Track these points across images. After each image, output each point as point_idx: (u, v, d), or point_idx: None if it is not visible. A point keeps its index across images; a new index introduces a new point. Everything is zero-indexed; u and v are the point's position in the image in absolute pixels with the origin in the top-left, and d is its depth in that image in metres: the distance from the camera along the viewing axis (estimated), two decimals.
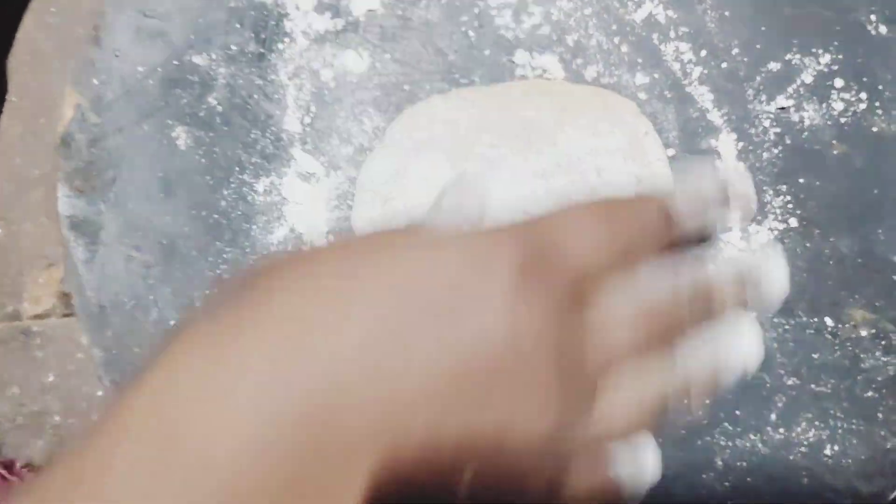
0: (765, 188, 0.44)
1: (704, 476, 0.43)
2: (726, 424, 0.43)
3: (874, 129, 0.45)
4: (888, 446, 0.43)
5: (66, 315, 0.46)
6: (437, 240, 0.30)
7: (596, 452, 0.30)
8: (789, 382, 0.43)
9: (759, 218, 0.44)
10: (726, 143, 0.45)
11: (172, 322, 0.43)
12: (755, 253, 0.39)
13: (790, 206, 0.44)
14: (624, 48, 0.45)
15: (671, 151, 0.45)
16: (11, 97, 0.47)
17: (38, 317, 0.46)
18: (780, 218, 0.44)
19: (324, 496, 0.26)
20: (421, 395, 0.27)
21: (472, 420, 0.28)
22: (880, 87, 0.45)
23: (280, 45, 0.45)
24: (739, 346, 0.33)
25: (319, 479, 0.26)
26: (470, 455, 0.28)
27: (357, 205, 0.44)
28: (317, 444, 0.25)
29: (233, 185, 0.44)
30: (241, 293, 0.28)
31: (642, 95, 0.45)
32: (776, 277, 0.36)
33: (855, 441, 0.43)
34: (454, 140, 0.43)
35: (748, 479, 0.43)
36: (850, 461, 0.43)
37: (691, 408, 0.33)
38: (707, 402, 0.33)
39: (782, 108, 0.45)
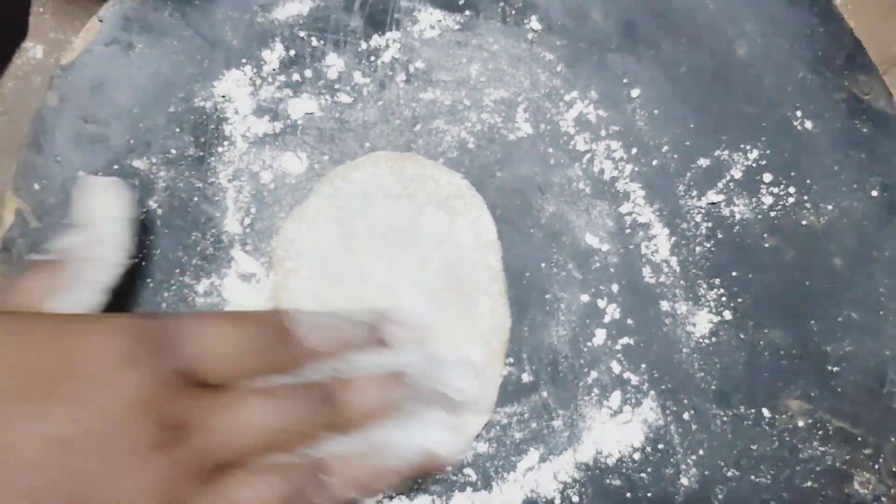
0: (699, 281, 0.46)
1: None
2: None
3: (804, 223, 0.47)
4: None
5: None
6: (50, 319, 0.34)
7: None
8: (729, 474, 0.45)
9: (694, 310, 0.46)
10: (659, 237, 0.46)
11: None
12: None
13: (724, 298, 0.46)
14: (554, 147, 0.47)
15: (605, 246, 0.46)
16: None
17: None
18: (714, 311, 0.46)
19: None
20: (22, 469, 0.29)
21: (68, 492, 0.30)
22: (808, 182, 0.47)
23: (220, 149, 0.46)
24: (419, 438, 0.38)
25: None
26: None
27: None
28: None
29: (174, 287, 0.45)
30: None
31: (574, 191, 0.47)
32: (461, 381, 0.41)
33: None
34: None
35: None
36: None
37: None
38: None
39: (713, 203, 0.47)
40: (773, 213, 0.47)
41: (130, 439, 0.31)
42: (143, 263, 0.46)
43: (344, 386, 0.38)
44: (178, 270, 0.46)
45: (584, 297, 0.46)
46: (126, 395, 0.31)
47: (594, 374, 0.45)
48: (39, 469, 0.30)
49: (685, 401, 0.45)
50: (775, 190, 0.47)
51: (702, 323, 0.46)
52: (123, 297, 0.45)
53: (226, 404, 0.35)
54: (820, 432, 0.45)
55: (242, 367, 0.36)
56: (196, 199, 0.46)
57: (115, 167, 0.46)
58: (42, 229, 0.46)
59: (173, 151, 0.47)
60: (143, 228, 0.46)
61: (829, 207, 0.47)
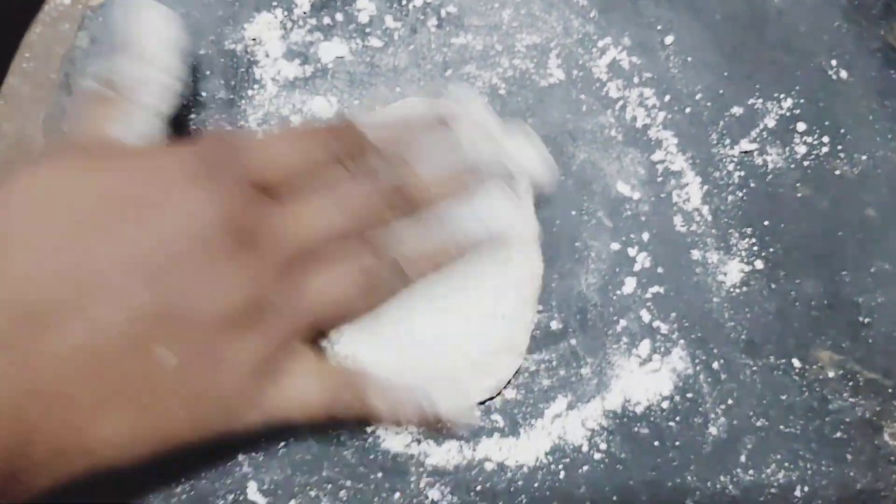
0: (730, 231, 0.46)
1: None
2: (696, 466, 0.44)
3: (836, 173, 0.46)
4: (858, 488, 0.44)
5: None
6: (122, 153, 0.36)
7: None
8: (758, 424, 0.44)
9: (725, 259, 0.46)
10: (691, 186, 0.46)
11: None
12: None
13: (755, 248, 0.46)
14: (586, 94, 0.47)
15: (637, 194, 0.46)
16: None
17: None
18: (745, 260, 0.46)
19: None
20: (110, 284, 0.31)
21: (158, 302, 0.32)
22: (842, 131, 0.47)
23: (250, 92, 0.46)
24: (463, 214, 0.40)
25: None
26: (161, 335, 0.32)
27: None
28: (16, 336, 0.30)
29: None
30: None
31: (606, 138, 0.47)
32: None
33: (825, 482, 0.44)
34: None
35: None
36: (820, 503, 0.44)
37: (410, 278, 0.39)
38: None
39: (746, 152, 0.47)
40: (806, 163, 0.47)
41: (210, 250, 0.33)
42: None
43: (407, 167, 0.39)
44: None
45: (615, 246, 0.46)
46: (201, 211, 0.33)
47: (623, 322, 0.45)
48: (127, 291, 0.31)
49: (715, 350, 0.45)
50: (809, 139, 0.47)
51: (733, 272, 0.46)
52: None
53: (296, 201, 0.37)
54: (850, 383, 0.45)
55: (307, 163, 0.38)
56: None
57: None
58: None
59: (203, 94, 0.47)
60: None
61: (863, 157, 0.47)
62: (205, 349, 0.33)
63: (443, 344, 0.42)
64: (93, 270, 0.31)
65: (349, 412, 0.38)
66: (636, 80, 0.47)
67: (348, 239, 0.38)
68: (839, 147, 0.47)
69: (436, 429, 0.43)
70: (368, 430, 0.43)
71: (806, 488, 0.44)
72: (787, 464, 0.44)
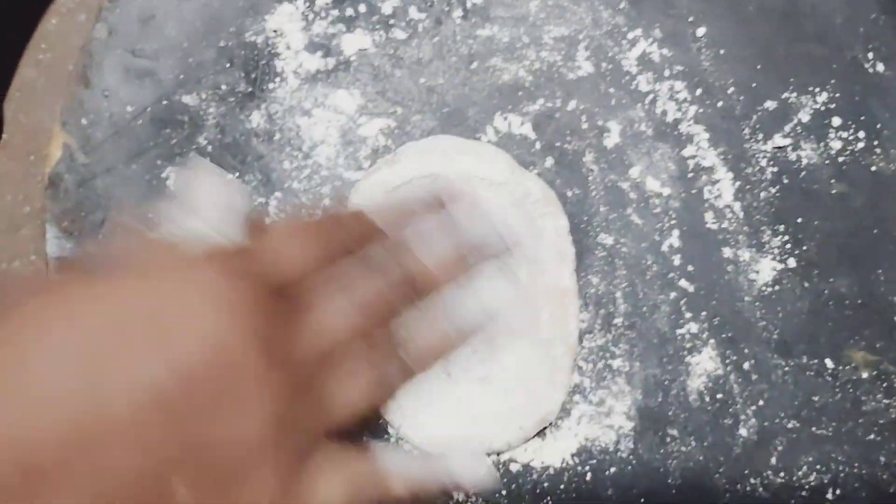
0: (763, 228, 0.46)
1: None
2: (725, 468, 0.43)
3: (873, 169, 0.46)
4: (891, 490, 0.44)
5: None
6: (139, 271, 0.33)
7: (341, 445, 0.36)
8: (789, 425, 0.44)
9: (758, 257, 0.45)
10: (722, 182, 0.46)
11: None
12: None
13: (788, 246, 0.45)
14: (615, 87, 0.46)
15: (667, 190, 0.46)
16: (4, 134, 0.48)
17: None
18: (778, 258, 0.45)
19: None
20: (123, 425, 0.29)
21: (178, 438, 0.30)
22: (878, 126, 0.46)
23: (270, 85, 0.46)
24: (469, 299, 0.40)
25: None
26: (182, 471, 0.30)
27: None
28: (23, 490, 0.27)
29: None
30: None
31: (635, 133, 0.46)
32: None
33: (857, 485, 0.44)
34: None
35: None
36: None
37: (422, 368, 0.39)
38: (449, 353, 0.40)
39: (779, 148, 0.46)
40: (841, 159, 0.46)
41: (234, 375, 0.31)
42: None
43: (411, 254, 0.39)
44: None
45: (644, 244, 0.46)
46: (222, 333, 0.31)
47: (652, 321, 0.45)
48: (140, 431, 0.29)
49: (746, 350, 0.45)
50: (844, 134, 0.46)
51: (765, 270, 0.45)
52: None
53: (315, 305, 0.36)
54: (884, 384, 0.45)
55: (321, 261, 0.37)
56: (246, 136, 0.46)
57: (164, 102, 0.46)
58: (89, 165, 0.46)
59: (223, 87, 0.46)
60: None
61: None
62: (228, 481, 0.31)
63: (485, 407, 0.44)
64: (100, 410, 0.29)
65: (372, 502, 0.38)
66: (667, 73, 0.47)
67: (364, 334, 0.37)
68: (875, 142, 0.46)
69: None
70: (391, 430, 0.43)
71: (838, 491, 0.44)
72: (818, 466, 0.44)
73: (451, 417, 0.44)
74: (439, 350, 0.40)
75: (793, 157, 0.46)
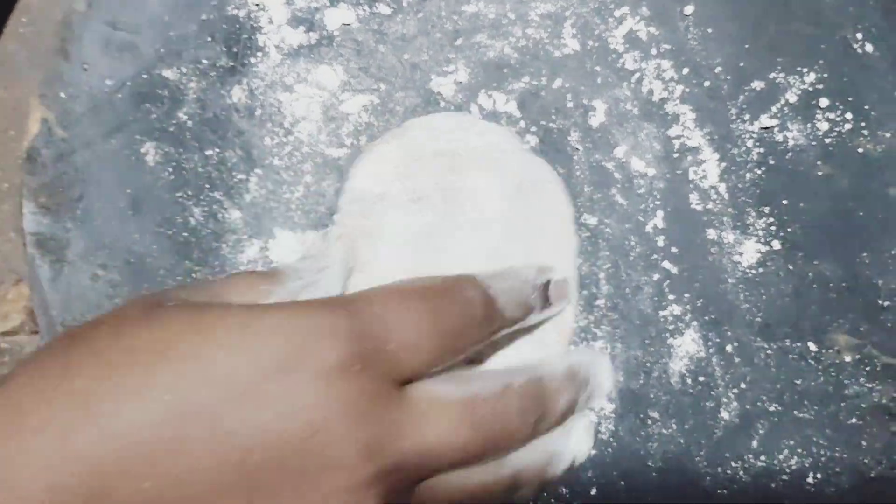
0: (748, 209, 0.45)
1: (684, 503, 0.43)
2: (706, 451, 0.43)
3: (860, 150, 0.46)
4: (872, 475, 0.44)
5: (34, 332, 0.47)
6: (254, 318, 0.30)
7: None
8: (771, 409, 0.44)
9: (742, 239, 0.45)
10: (708, 163, 0.45)
11: None
12: (584, 353, 0.43)
13: (773, 228, 0.45)
14: (601, 66, 0.46)
15: (651, 171, 0.45)
16: None
17: (6, 334, 0.47)
18: (762, 240, 0.45)
19: None
20: (210, 484, 0.27)
21: None
22: (866, 107, 0.46)
23: (252, 60, 0.46)
24: (568, 444, 0.37)
25: None
26: None
27: (342, 215, 0.44)
28: None
29: (203, 203, 0.45)
30: (44, 359, 0.29)
31: (621, 112, 0.46)
32: (605, 379, 0.40)
33: (838, 469, 0.44)
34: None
35: None
36: (833, 490, 0.44)
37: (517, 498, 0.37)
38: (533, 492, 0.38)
39: (766, 128, 0.46)
40: (828, 140, 0.46)
41: (333, 470, 0.29)
42: (173, 177, 0.45)
43: (543, 384, 0.37)
44: (207, 186, 0.45)
45: (628, 224, 0.45)
46: (335, 409, 0.29)
47: (634, 303, 0.45)
48: (226, 482, 0.28)
49: (728, 333, 0.45)
50: (831, 115, 0.46)
51: (749, 252, 0.45)
52: (152, 211, 0.45)
53: (428, 416, 0.32)
54: (868, 368, 0.45)
55: (444, 351, 0.33)
56: (227, 111, 0.46)
57: (144, 76, 0.46)
58: (68, 139, 0.45)
59: (204, 62, 0.46)
60: (172, 140, 0.45)
61: (888, 135, 0.46)
62: None
63: None
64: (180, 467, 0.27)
65: None
66: (654, 51, 0.46)
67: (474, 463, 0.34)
68: (863, 124, 0.46)
69: None
70: None
71: (819, 475, 0.44)
72: (800, 450, 0.44)
73: None
74: (535, 491, 0.38)
75: (779, 138, 0.46)
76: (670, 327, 0.45)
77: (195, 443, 0.27)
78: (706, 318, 0.45)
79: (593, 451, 0.43)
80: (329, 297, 0.34)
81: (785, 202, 0.46)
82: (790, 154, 0.46)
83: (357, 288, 0.43)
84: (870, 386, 0.45)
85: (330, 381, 0.29)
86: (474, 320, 0.35)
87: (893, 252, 0.45)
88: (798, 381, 0.45)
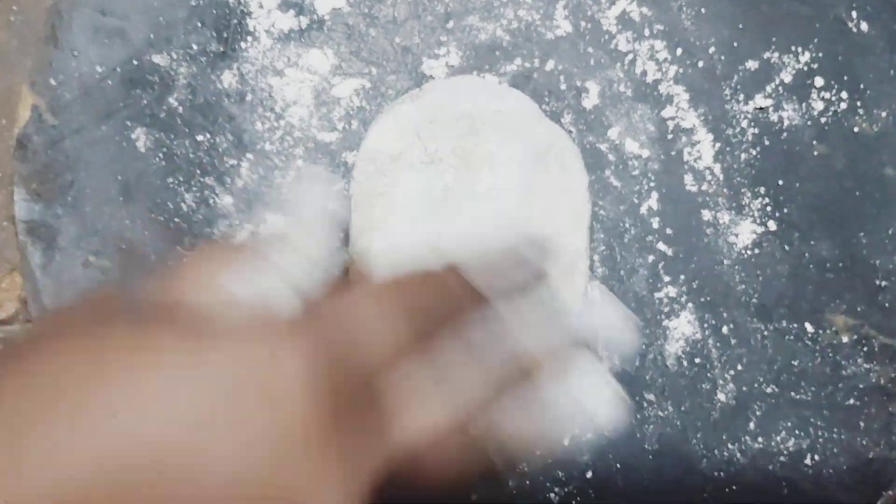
0: (743, 190, 0.45)
1: (681, 485, 0.43)
2: (702, 433, 0.43)
3: (855, 130, 0.45)
4: (870, 456, 0.44)
5: (29, 321, 0.47)
6: (204, 344, 0.28)
7: None
8: (768, 390, 0.44)
9: (737, 220, 0.45)
10: (702, 143, 0.45)
11: None
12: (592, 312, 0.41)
13: (769, 208, 0.45)
14: (594, 47, 0.46)
15: (646, 152, 0.45)
16: None
17: (0, 322, 0.47)
18: (758, 221, 0.45)
19: None
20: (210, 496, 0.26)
21: None
22: (861, 87, 0.46)
23: (242, 44, 0.45)
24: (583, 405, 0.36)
25: None
26: None
27: (359, 174, 0.44)
28: None
29: (194, 189, 0.45)
30: (28, 351, 0.27)
31: (614, 93, 0.46)
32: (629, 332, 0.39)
33: (836, 450, 0.44)
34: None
35: (726, 489, 0.44)
36: (831, 471, 0.44)
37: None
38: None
39: (760, 108, 0.46)
40: (823, 120, 0.46)
41: (302, 477, 0.27)
42: (164, 163, 0.45)
43: (515, 339, 0.36)
44: (198, 171, 0.45)
45: (622, 206, 0.45)
46: (299, 442, 0.27)
47: (630, 285, 0.45)
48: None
49: (724, 314, 0.45)
50: (826, 95, 0.46)
51: (745, 233, 0.45)
52: (144, 197, 0.45)
53: (403, 405, 0.32)
54: (865, 349, 0.44)
55: (409, 335, 0.32)
56: (217, 97, 0.45)
57: (134, 62, 0.46)
58: (58, 126, 0.45)
59: (194, 47, 0.46)
60: (163, 126, 0.45)
61: (883, 114, 0.46)
62: None
63: None
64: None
65: None
66: (647, 32, 0.46)
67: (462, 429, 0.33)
68: (858, 103, 0.46)
69: None
70: None
71: (816, 456, 0.44)
72: (797, 431, 0.44)
73: None
74: (529, 445, 0.36)
75: (774, 118, 0.46)
76: (666, 309, 0.45)
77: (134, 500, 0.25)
78: (702, 299, 0.45)
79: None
80: (291, 312, 0.33)
81: (780, 182, 0.46)
82: (785, 134, 0.46)
83: (372, 245, 0.43)
84: (867, 367, 0.44)
85: (293, 409, 0.27)
86: (441, 293, 0.34)
87: (890, 232, 0.45)
88: (795, 363, 0.44)
